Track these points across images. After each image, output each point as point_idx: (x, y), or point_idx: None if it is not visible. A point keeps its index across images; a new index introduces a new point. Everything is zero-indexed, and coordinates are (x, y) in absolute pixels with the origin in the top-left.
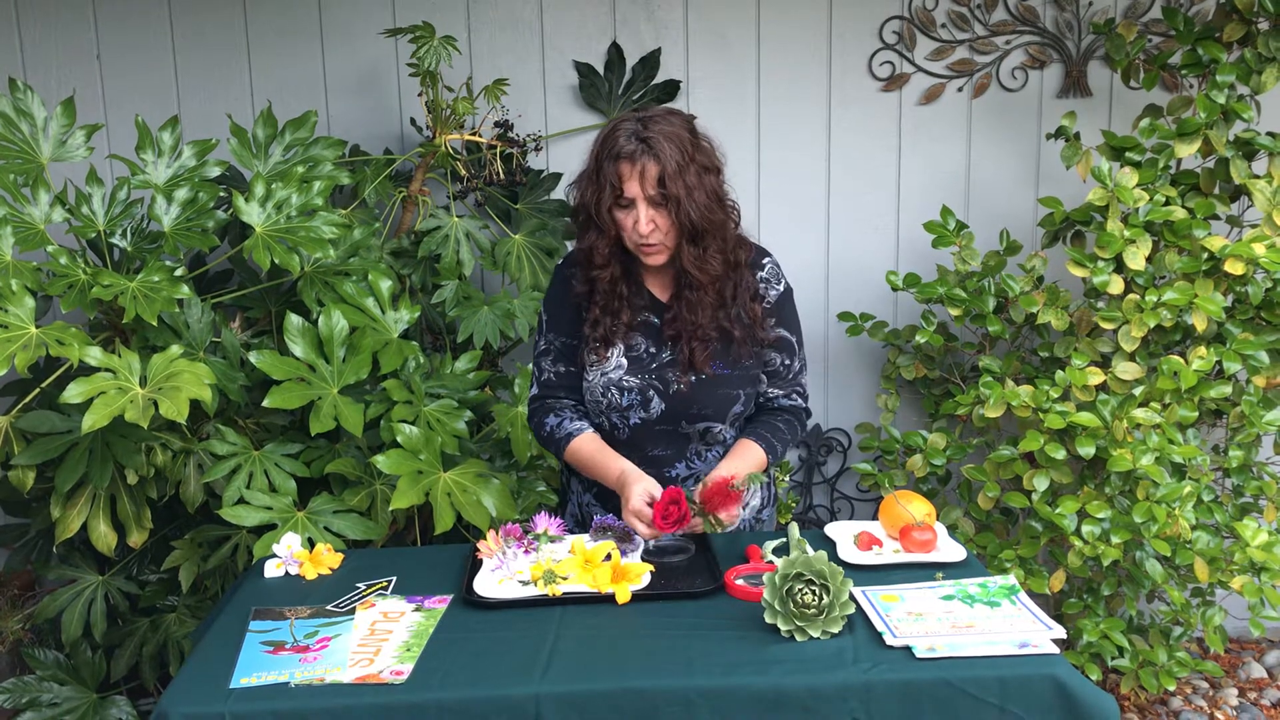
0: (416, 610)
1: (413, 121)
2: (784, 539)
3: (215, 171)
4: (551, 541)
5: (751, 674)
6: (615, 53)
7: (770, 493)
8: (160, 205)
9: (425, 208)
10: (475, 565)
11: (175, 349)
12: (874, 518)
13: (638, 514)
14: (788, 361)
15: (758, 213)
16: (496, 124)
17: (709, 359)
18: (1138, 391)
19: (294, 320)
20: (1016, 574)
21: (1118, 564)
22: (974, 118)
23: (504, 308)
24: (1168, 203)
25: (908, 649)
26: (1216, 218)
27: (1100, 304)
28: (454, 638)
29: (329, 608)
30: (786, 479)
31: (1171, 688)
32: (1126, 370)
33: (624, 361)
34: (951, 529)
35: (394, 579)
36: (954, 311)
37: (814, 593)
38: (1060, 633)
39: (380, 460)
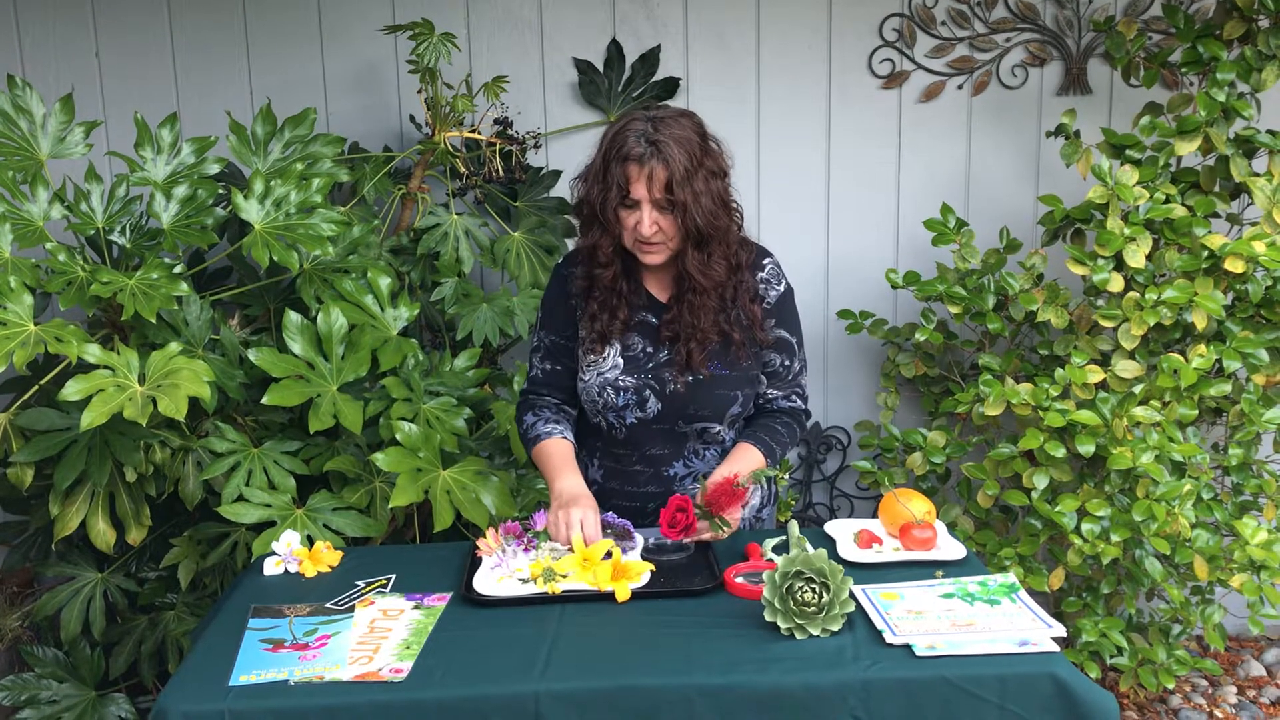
0: (416, 608)
1: (412, 119)
2: (784, 537)
3: (214, 169)
4: (551, 539)
5: (751, 672)
6: (615, 50)
7: (770, 491)
8: (159, 202)
9: (424, 205)
10: (475, 563)
11: (174, 346)
12: (874, 516)
13: (554, 526)
14: (787, 362)
15: (757, 210)
16: (496, 121)
17: (706, 360)
18: (1137, 389)
19: (293, 318)
20: (1016, 572)
21: (1117, 562)
22: (974, 115)
23: (503, 305)
24: (1168, 200)
25: (907, 647)
26: (1216, 215)
27: (1100, 302)
28: (453, 636)
29: (328, 605)
30: (786, 477)
31: (1171, 686)
32: (1126, 368)
33: (620, 361)
34: (951, 527)
35: (393, 577)
36: (954, 309)
37: (814, 591)
38: (1060, 631)
39: (379, 458)
